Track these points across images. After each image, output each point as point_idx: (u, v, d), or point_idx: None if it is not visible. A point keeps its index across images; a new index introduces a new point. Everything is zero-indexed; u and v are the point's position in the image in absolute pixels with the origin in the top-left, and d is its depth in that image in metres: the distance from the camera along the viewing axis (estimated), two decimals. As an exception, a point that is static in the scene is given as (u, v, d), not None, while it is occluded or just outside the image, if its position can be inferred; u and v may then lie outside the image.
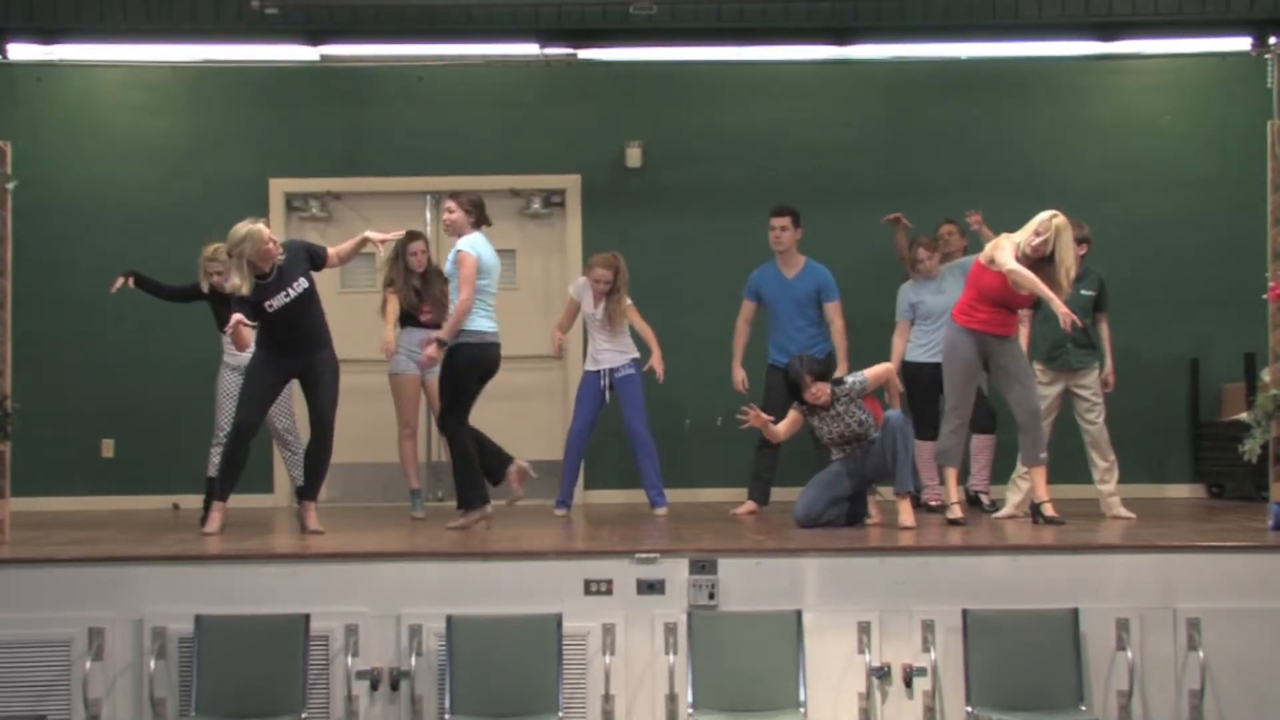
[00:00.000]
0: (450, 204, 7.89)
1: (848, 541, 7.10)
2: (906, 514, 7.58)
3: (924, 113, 10.35)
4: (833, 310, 8.91)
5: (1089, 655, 6.38)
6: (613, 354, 8.80)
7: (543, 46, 9.75)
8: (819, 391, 7.72)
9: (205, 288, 8.24)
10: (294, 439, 8.54)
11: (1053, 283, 7.47)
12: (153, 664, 6.29)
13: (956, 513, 7.76)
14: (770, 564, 6.59)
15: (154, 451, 10.09)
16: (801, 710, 6.22)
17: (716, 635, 6.36)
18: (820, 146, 10.31)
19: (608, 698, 6.39)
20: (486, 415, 9.97)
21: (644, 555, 6.54)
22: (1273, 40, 9.61)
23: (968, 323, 7.71)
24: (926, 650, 6.43)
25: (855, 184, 10.20)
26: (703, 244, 10.21)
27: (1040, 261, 7.52)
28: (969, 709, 6.26)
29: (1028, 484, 8.00)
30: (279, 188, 10.34)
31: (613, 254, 8.79)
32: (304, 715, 6.20)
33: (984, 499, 8.92)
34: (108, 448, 10.25)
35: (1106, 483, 8.21)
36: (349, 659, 6.35)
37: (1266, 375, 7.71)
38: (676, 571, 6.51)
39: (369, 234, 7.74)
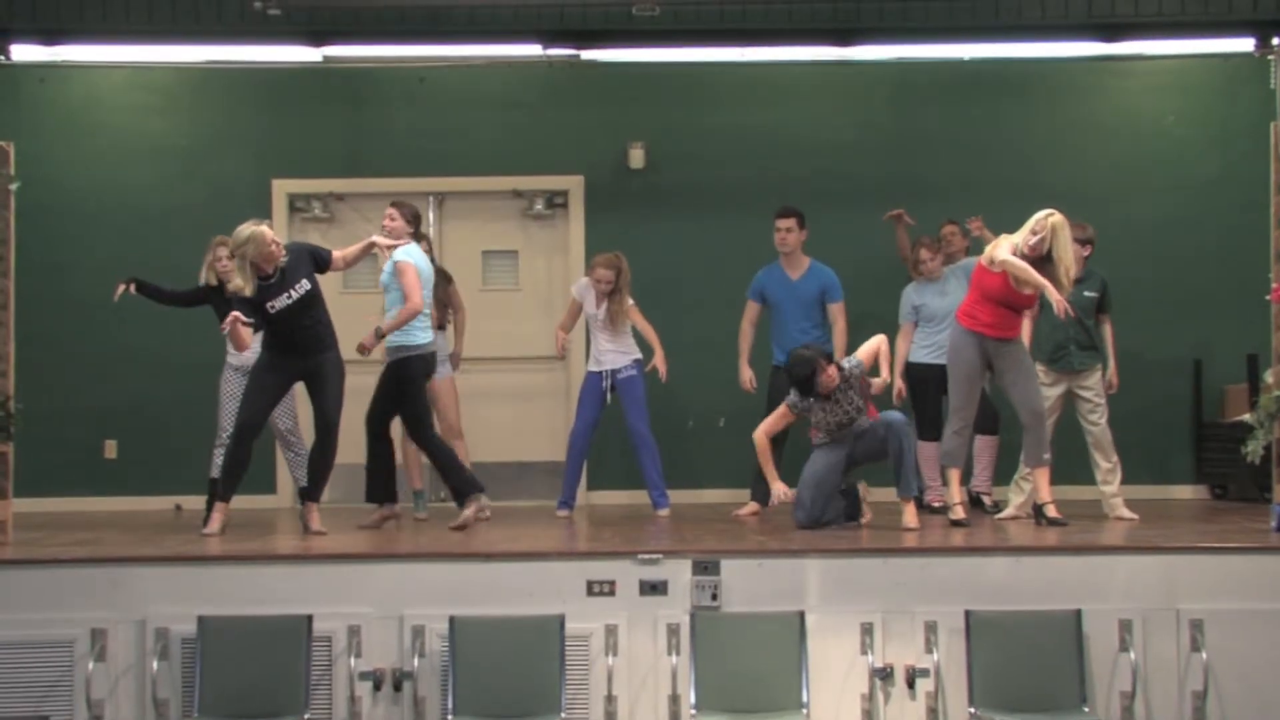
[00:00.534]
0: (392, 211, 8.15)
1: (850, 542, 7.11)
2: (910, 516, 7.60)
3: (926, 114, 10.34)
4: (836, 311, 8.93)
5: (1092, 656, 6.38)
6: (615, 354, 8.81)
7: (545, 47, 9.73)
8: (832, 374, 7.72)
9: (211, 280, 8.22)
10: (297, 440, 8.54)
11: (1053, 281, 7.48)
12: (155, 665, 6.30)
13: (959, 514, 7.76)
14: (773, 565, 6.59)
15: (156, 452, 10.09)
16: (804, 711, 6.22)
17: (719, 636, 6.36)
18: (823, 147, 10.31)
19: (610, 699, 6.39)
20: (489, 416, 10.03)
21: (647, 556, 6.54)
22: (1276, 41, 9.57)
23: (971, 325, 7.71)
24: (929, 651, 6.43)
25: (857, 185, 10.20)
26: (705, 245, 10.21)
27: (1039, 261, 7.52)
28: (972, 710, 6.26)
29: (1030, 485, 8.00)
30: (281, 188, 10.34)
31: (615, 254, 8.80)
32: (307, 716, 6.20)
33: (986, 500, 8.91)
34: (110, 448, 10.26)
35: (1110, 484, 8.21)
36: (352, 660, 6.36)
37: (1269, 376, 7.71)
38: (679, 572, 6.51)
39: (376, 239, 7.82)
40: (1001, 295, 7.60)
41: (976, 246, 8.96)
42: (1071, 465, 8.56)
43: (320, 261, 7.67)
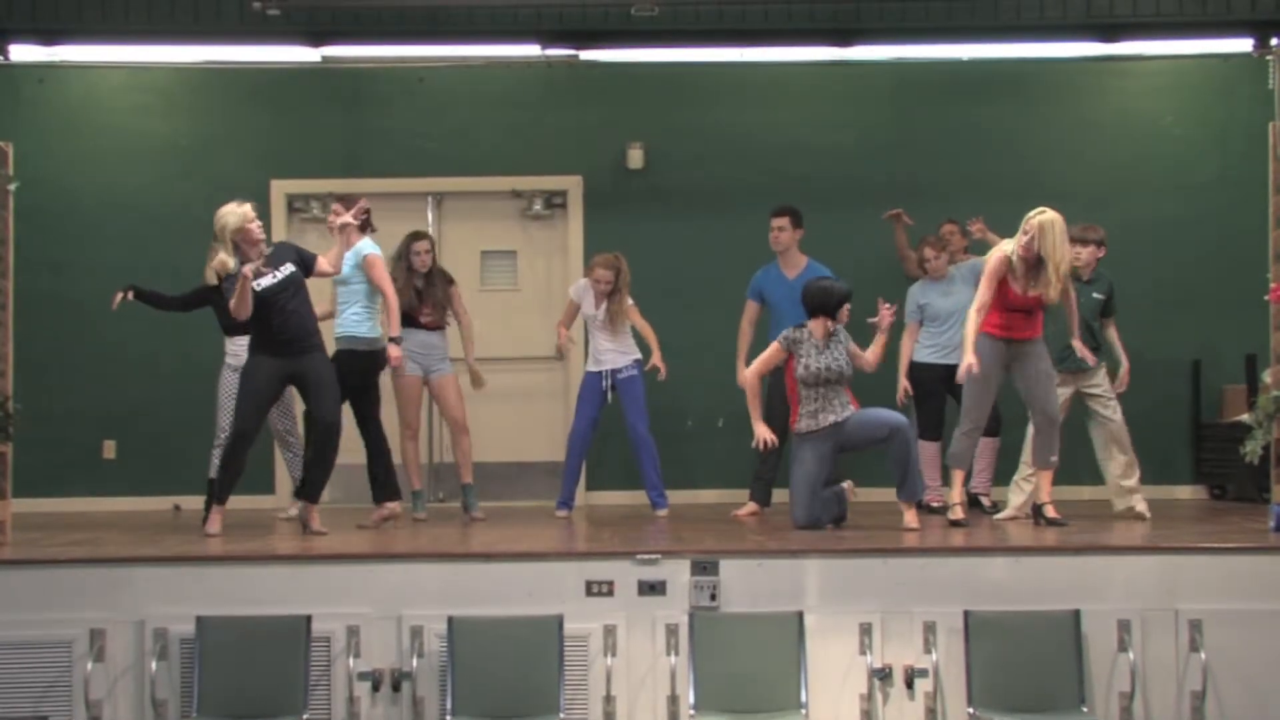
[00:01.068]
0: (338, 207, 8.18)
1: (849, 543, 7.11)
2: (911, 517, 7.60)
3: (925, 114, 10.34)
4: (843, 312, 8.90)
5: (1090, 656, 6.38)
6: (615, 355, 8.82)
7: (544, 48, 9.74)
8: (845, 313, 7.93)
9: (213, 279, 8.20)
10: (295, 440, 8.54)
11: (1043, 281, 7.49)
12: (154, 665, 6.30)
13: (958, 514, 7.77)
14: (772, 565, 6.59)
15: (155, 453, 10.09)
16: (803, 711, 6.22)
17: (718, 636, 6.36)
18: (822, 148, 10.31)
19: (609, 699, 6.40)
20: (488, 416, 10.03)
21: (645, 556, 6.55)
22: (1274, 41, 9.59)
23: (987, 328, 7.71)
24: (928, 651, 6.43)
25: (857, 185, 10.20)
26: (704, 245, 10.21)
27: (1036, 262, 7.53)
28: (970, 710, 6.27)
29: (1031, 486, 8.01)
30: (280, 189, 10.34)
31: (614, 255, 8.80)
32: (305, 716, 6.20)
33: (984, 500, 8.91)
34: (109, 449, 10.26)
35: (1129, 479, 8.20)
36: (350, 660, 6.36)
37: (1268, 376, 7.72)
38: (678, 573, 6.52)
39: (340, 220, 7.84)
40: (1003, 299, 7.61)
41: (977, 247, 8.97)
42: (1072, 465, 8.57)
43: (306, 260, 7.70)
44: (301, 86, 10.30)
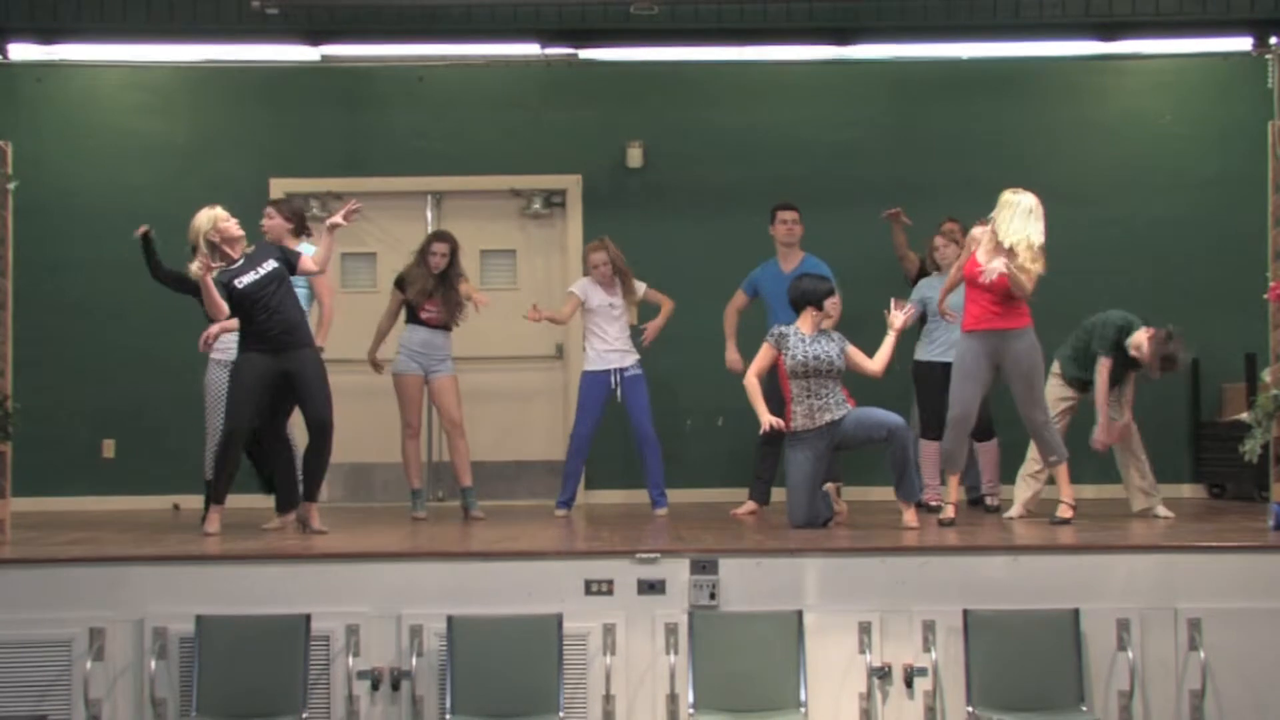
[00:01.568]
0: (270, 210, 8.19)
1: (849, 542, 7.10)
2: (911, 517, 7.60)
3: (925, 113, 10.35)
4: (830, 304, 8.90)
5: (1090, 655, 6.38)
6: (622, 353, 8.83)
7: (543, 46, 9.74)
8: (835, 303, 8.00)
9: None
10: (292, 439, 8.50)
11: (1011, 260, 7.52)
12: (153, 664, 6.29)
13: (949, 514, 7.78)
14: (771, 564, 6.59)
15: (155, 452, 10.09)
16: (802, 710, 6.22)
17: (717, 635, 6.36)
18: (821, 147, 10.31)
19: (608, 698, 6.39)
20: (488, 415, 10.04)
21: (645, 555, 6.54)
22: (1273, 40, 9.60)
23: (965, 325, 7.73)
24: (927, 650, 6.43)
25: (856, 184, 10.20)
26: (703, 244, 10.21)
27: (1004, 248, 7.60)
28: (969, 709, 6.26)
29: (1038, 483, 8.04)
30: (280, 188, 10.30)
31: (599, 239, 8.86)
32: (305, 715, 6.19)
33: (989, 500, 8.91)
34: (108, 448, 10.26)
35: (1144, 479, 8.21)
36: (350, 659, 6.35)
37: (1267, 375, 7.71)
38: (677, 571, 6.51)
39: (330, 221, 7.73)
40: (971, 279, 7.69)
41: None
42: (1073, 465, 8.54)
43: (290, 257, 7.69)
44: (301, 86, 10.31)
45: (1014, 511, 8.19)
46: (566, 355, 10.24)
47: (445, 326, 8.80)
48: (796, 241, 8.98)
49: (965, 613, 6.35)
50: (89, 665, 6.28)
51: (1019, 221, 7.56)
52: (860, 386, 8.10)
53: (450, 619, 6.30)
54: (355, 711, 6.35)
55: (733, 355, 9.06)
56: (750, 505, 8.79)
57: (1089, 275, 9.71)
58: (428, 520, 8.63)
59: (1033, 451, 8.13)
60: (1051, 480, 7.99)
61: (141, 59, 10.06)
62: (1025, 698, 6.26)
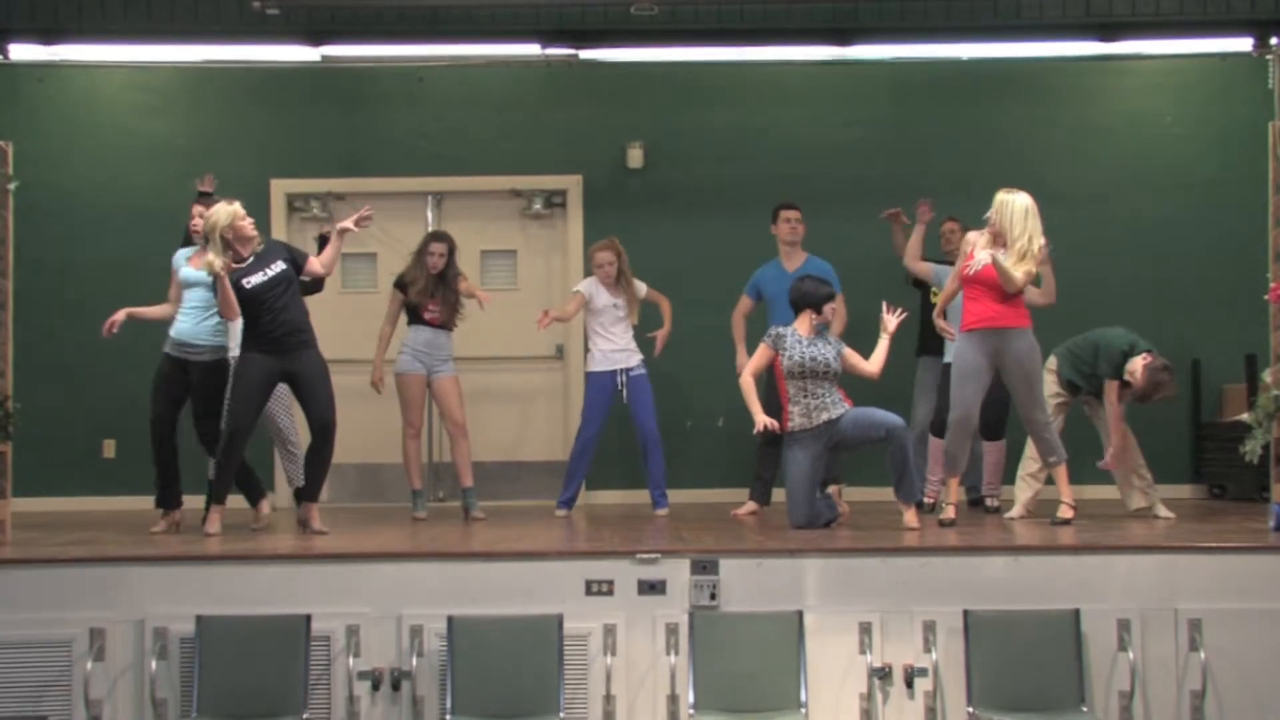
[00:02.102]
0: (199, 209, 8.08)
1: (849, 542, 7.10)
2: (911, 517, 7.59)
3: (925, 113, 10.35)
4: (829, 309, 8.90)
5: (1090, 656, 6.38)
6: (626, 353, 8.84)
7: (544, 47, 9.75)
8: (836, 306, 8.00)
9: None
10: (294, 439, 8.51)
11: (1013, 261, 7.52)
12: (154, 665, 6.29)
13: (949, 514, 7.78)
14: (771, 564, 6.59)
15: (155, 452, 10.07)
16: (803, 711, 6.21)
17: (718, 636, 6.36)
18: (821, 147, 10.31)
19: (609, 698, 6.39)
20: (488, 416, 10.04)
21: (645, 556, 6.54)
22: (1274, 41, 9.60)
23: (965, 324, 7.73)
24: (928, 651, 6.43)
25: (856, 184, 10.20)
26: (704, 244, 10.21)
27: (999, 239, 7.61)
28: (970, 709, 6.26)
29: (1038, 483, 8.03)
30: (280, 188, 10.34)
31: (608, 239, 8.87)
32: (305, 716, 6.19)
33: (989, 501, 8.91)
34: (109, 448, 10.26)
35: (1142, 479, 8.21)
36: (350, 659, 6.35)
37: (1268, 376, 7.70)
38: (678, 572, 6.51)
39: (343, 224, 7.76)
40: (967, 278, 7.70)
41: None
42: (1073, 465, 8.54)
43: (297, 258, 7.70)
44: (301, 86, 10.31)
45: (1015, 512, 8.19)
46: (567, 356, 10.24)
47: (447, 326, 8.81)
48: (799, 240, 8.99)
49: (966, 613, 6.35)
50: (89, 666, 6.28)
51: (1033, 221, 7.56)
52: (861, 387, 8.09)
53: (451, 619, 6.30)
54: (356, 712, 6.35)
55: (744, 361, 9.06)
56: (751, 506, 8.79)
57: (1089, 275, 9.70)
58: (428, 520, 8.63)
59: (1031, 451, 8.12)
60: (1050, 480, 7.99)
61: (142, 59, 10.06)
62: (1026, 698, 6.26)
